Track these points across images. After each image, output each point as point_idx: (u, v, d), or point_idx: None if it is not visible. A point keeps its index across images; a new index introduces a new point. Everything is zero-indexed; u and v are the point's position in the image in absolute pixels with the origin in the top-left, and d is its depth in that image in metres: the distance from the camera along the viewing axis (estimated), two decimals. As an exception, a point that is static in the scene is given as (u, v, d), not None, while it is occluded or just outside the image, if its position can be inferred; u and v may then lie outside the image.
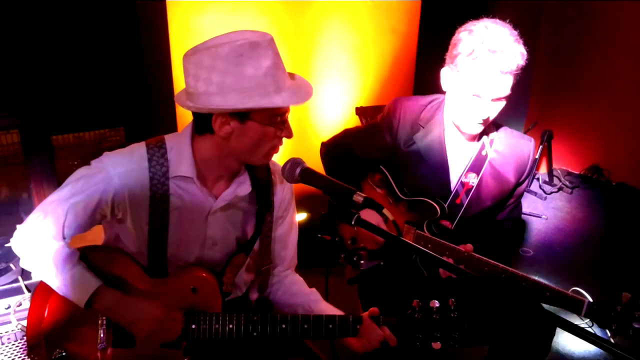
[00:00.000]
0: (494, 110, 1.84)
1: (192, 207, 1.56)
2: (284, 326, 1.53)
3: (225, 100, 1.38)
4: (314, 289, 1.80)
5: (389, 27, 3.72)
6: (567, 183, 3.66)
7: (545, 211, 3.50)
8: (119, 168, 1.49)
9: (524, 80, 4.26)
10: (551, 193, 3.63)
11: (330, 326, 1.53)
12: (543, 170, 3.88)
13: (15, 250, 1.55)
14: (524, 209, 3.51)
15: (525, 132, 3.81)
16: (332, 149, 2.21)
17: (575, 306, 1.63)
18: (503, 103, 1.85)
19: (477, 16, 1.89)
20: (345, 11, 3.52)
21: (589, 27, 3.69)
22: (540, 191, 3.63)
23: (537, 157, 3.71)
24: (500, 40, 1.75)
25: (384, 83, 3.83)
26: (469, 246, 1.83)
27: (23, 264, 1.56)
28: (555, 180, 3.73)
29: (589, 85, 3.73)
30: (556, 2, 3.87)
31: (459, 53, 1.82)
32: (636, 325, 1.49)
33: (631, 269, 2.96)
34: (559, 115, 3.94)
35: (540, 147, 3.68)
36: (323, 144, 2.25)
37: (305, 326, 1.53)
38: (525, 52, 1.78)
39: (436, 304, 1.48)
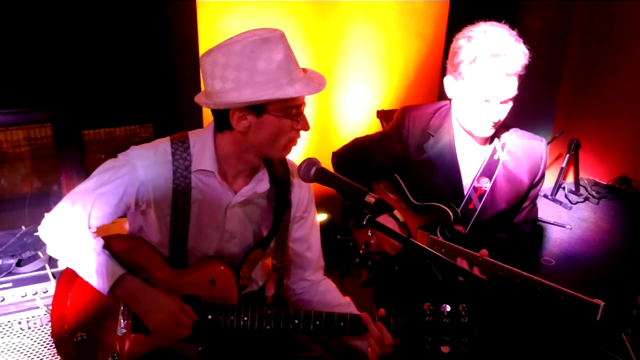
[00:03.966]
0: (503, 112, 1.84)
1: (212, 200, 1.61)
2: (296, 321, 1.56)
3: (240, 95, 1.43)
4: (348, 299, 1.82)
5: (415, 30, 3.71)
6: (594, 193, 3.58)
7: (570, 221, 3.43)
8: (144, 161, 1.55)
9: (551, 88, 4.20)
10: (577, 203, 3.55)
11: (342, 324, 1.55)
12: (570, 179, 3.80)
13: (42, 237, 1.63)
14: (549, 218, 3.45)
15: (551, 141, 3.76)
16: (343, 158, 2.23)
17: (591, 310, 1.61)
18: (511, 104, 1.85)
19: (506, 20, 1.88)
20: (372, 14, 3.54)
21: (619, 34, 3.61)
22: (565, 200, 3.56)
23: (563, 165, 3.65)
24: (501, 43, 1.75)
25: (409, 87, 3.82)
26: (484, 251, 1.82)
27: (50, 251, 1.64)
28: (582, 190, 3.65)
29: (618, 94, 3.65)
30: (586, 9, 3.80)
31: (461, 61, 1.82)
32: None
33: (657, 283, 2.88)
34: (587, 124, 3.87)
35: (567, 156, 3.62)
36: (334, 154, 2.27)
37: (317, 323, 1.55)
38: (527, 51, 1.78)
39: (447, 308, 1.49)
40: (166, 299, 1.55)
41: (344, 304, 1.79)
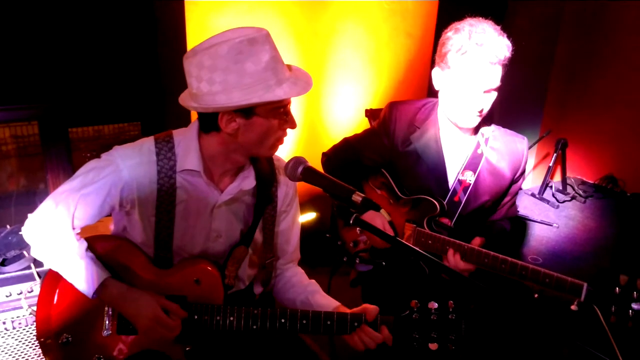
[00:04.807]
0: (487, 101, 1.91)
1: (198, 200, 1.60)
2: (283, 321, 1.56)
3: (229, 98, 1.42)
4: (313, 281, 1.84)
5: (404, 30, 3.73)
6: (581, 192, 3.61)
7: (557, 220, 3.46)
8: (128, 161, 1.54)
9: (540, 88, 4.23)
10: (564, 202, 3.58)
11: (329, 323, 1.55)
12: (557, 178, 3.83)
13: (26, 238, 1.61)
14: (536, 217, 3.48)
15: (538, 140, 3.79)
16: (333, 158, 2.24)
17: (575, 290, 1.65)
18: (495, 94, 1.92)
19: (495, 20, 1.97)
20: (361, 14, 3.54)
21: (606, 35, 3.65)
22: (552, 199, 3.59)
23: (551, 164, 3.67)
24: (486, 34, 1.85)
25: (398, 86, 3.83)
26: (477, 240, 1.88)
27: (34, 253, 1.61)
28: (569, 189, 3.68)
29: (606, 94, 3.69)
30: (575, 10, 3.83)
31: (448, 50, 1.90)
32: (635, 306, 1.49)
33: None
34: (575, 124, 3.90)
35: (555, 155, 3.65)
36: (324, 154, 2.29)
37: (304, 322, 1.55)
38: (510, 44, 1.88)
39: (434, 305, 1.50)
40: (150, 302, 1.53)
41: (310, 284, 1.81)
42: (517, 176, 2.09)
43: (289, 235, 1.84)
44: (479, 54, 1.83)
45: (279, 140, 1.57)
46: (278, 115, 1.50)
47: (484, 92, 1.88)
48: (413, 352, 1.52)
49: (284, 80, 1.46)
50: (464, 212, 2.03)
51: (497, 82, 1.89)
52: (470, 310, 1.46)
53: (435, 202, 1.99)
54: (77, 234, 1.59)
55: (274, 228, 1.75)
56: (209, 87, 1.43)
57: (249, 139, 1.52)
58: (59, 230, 1.55)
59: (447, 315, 1.49)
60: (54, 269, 1.58)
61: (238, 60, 1.40)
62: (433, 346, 1.50)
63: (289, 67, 1.55)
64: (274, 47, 1.47)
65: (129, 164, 1.53)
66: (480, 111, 1.91)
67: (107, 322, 1.60)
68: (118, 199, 1.56)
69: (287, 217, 1.81)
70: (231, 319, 1.57)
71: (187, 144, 1.57)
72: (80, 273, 1.53)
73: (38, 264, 2.03)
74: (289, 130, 1.57)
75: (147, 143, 1.58)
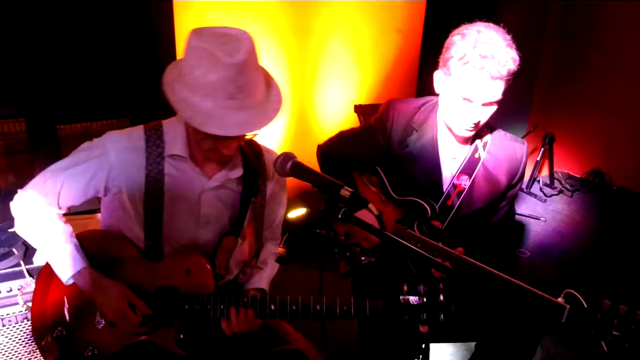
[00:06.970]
0: (484, 114, 1.84)
1: (186, 185, 1.64)
2: (272, 307, 1.56)
3: (168, 83, 1.46)
4: (271, 262, 1.87)
5: (393, 26, 3.74)
6: (568, 186, 3.66)
7: (544, 213, 3.51)
8: (117, 144, 1.58)
9: (527, 83, 4.26)
10: (551, 196, 3.63)
11: (318, 307, 1.55)
12: (544, 172, 3.88)
13: (12, 212, 1.64)
14: (524, 211, 3.52)
15: (525, 135, 3.83)
16: (328, 151, 2.24)
17: (557, 312, 1.60)
18: (494, 107, 1.85)
19: (483, 16, 1.89)
20: (349, 10, 3.55)
21: (593, 31, 3.69)
22: (540, 193, 3.64)
23: (538, 159, 3.72)
24: (491, 45, 1.74)
25: (386, 82, 3.85)
26: (460, 249, 1.84)
27: (17, 228, 1.64)
28: (556, 183, 3.73)
29: (592, 89, 3.73)
30: (562, 6, 3.87)
31: (451, 57, 1.82)
32: (615, 333, 1.48)
33: (628, 274, 2.97)
34: (562, 119, 3.95)
35: (542, 149, 3.69)
36: (319, 147, 2.28)
37: (294, 307, 1.55)
38: (517, 58, 1.77)
39: (424, 288, 1.48)
40: (115, 294, 1.56)
41: (263, 262, 1.85)
42: (514, 182, 2.03)
43: (274, 217, 1.87)
44: (481, 66, 1.73)
45: (213, 154, 1.55)
46: (198, 132, 1.46)
47: (483, 104, 1.80)
48: (405, 339, 1.50)
49: (219, 111, 1.39)
50: (457, 216, 2.00)
51: (497, 96, 1.79)
52: (459, 292, 1.43)
53: (426, 205, 1.96)
54: (64, 215, 1.64)
55: (263, 218, 1.78)
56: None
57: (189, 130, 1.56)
58: (44, 207, 1.60)
59: (436, 298, 1.46)
60: (36, 247, 1.62)
61: (201, 58, 1.38)
62: (423, 329, 1.48)
63: (266, 97, 1.48)
64: (240, 72, 1.37)
65: (116, 148, 1.57)
66: (477, 123, 1.84)
67: (100, 314, 1.61)
68: (103, 181, 1.59)
69: (273, 203, 1.83)
70: (222, 307, 1.58)
71: (174, 130, 1.61)
72: (59, 258, 1.57)
73: (28, 261, 2.03)
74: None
75: (138, 130, 1.62)
